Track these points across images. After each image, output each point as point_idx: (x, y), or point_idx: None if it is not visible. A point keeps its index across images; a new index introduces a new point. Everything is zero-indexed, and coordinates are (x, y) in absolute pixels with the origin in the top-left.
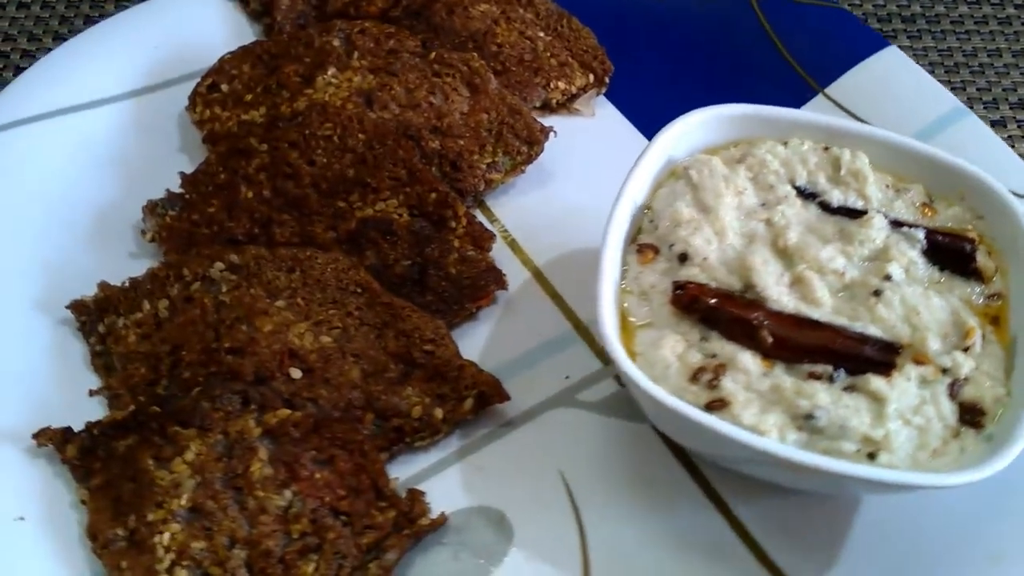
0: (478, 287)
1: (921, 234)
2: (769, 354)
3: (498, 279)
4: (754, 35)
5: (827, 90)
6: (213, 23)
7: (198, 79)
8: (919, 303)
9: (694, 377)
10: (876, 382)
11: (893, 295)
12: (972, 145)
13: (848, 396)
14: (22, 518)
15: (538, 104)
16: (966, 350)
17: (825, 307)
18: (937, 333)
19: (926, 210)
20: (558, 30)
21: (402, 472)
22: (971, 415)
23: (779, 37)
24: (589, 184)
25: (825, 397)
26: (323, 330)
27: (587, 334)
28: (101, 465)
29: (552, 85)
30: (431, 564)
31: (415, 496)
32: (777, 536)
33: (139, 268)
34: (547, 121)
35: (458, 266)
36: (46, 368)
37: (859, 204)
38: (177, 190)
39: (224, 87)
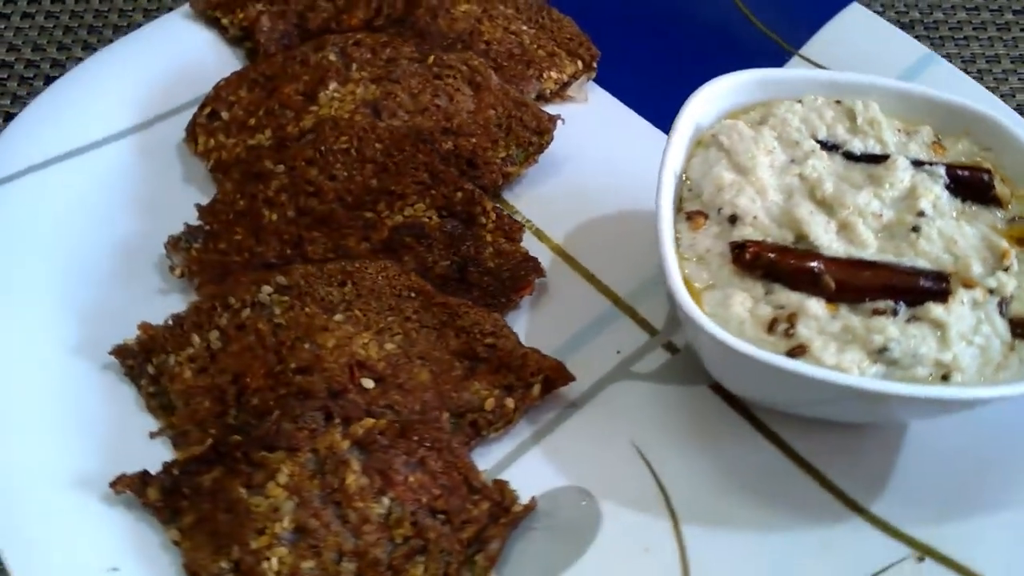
0: (518, 277)
1: (941, 170)
2: (833, 298)
3: (536, 267)
4: (725, 8)
5: (801, 51)
6: (194, 53)
7: (190, 110)
8: (954, 233)
9: (770, 328)
10: (936, 310)
11: (930, 229)
12: (946, 87)
13: (913, 326)
14: (116, 569)
15: (533, 96)
16: (1006, 270)
17: (871, 248)
18: (977, 258)
19: (937, 148)
20: (540, 22)
21: (482, 464)
22: (1022, 328)
23: (748, 7)
24: (596, 165)
25: (894, 330)
26: (386, 338)
27: (628, 308)
28: (188, 503)
29: (545, 76)
30: (527, 550)
31: (502, 486)
32: (835, 463)
33: (170, 304)
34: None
35: (495, 259)
36: (98, 415)
37: (878, 149)
38: (195, 222)
39: (224, 114)
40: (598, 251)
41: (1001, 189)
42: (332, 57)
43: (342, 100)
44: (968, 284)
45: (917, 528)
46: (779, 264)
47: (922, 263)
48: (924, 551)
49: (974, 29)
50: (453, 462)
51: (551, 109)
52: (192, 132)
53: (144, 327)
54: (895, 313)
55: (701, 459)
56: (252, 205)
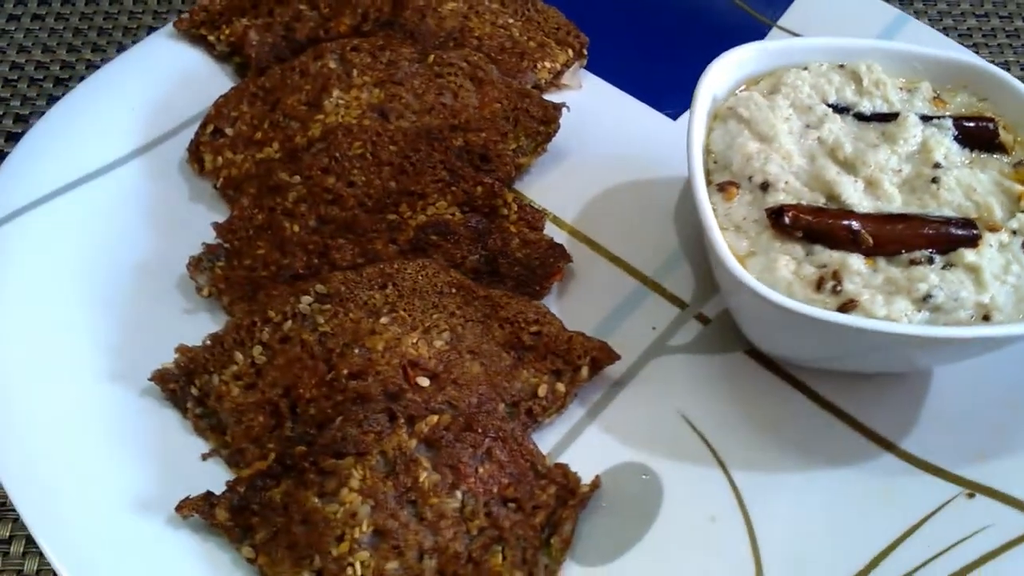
0: (547, 264)
1: (949, 123)
2: (870, 252)
3: (563, 253)
4: None
5: (780, 22)
6: (183, 73)
7: (188, 129)
8: (971, 181)
9: (818, 287)
10: (969, 255)
11: (948, 179)
12: (922, 44)
13: (950, 272)
14: None
15: (529, 87)
16: None
17: (897, 202)
18: (996, 202)
19: (938, 103)
20: (526, 14)
21: (541, 450)
22: None
23: None
24: (598, 148)
25: (934, 277)
26: (433, 335)
27: (655, 285)
28: (259, 519)
29: (539, 66)
30: (596, 528)
31: (564, 468)
32: (875, 413)
33: (199, 324)
34: None
35: (523, 250)
36: (145, 442)
37: (886, 108)
38: (211, 240)
39: (228, 130)
40: (615, 231)
41: (1004, 136)
42: (332, 64)
43: (348, 106)
44: (993, 228)
45: (963, 467)
46: (817, 225)
47: (947, 212)
48: (973, 488)
49: (984, 36)
50: (518, 450)
51: (548, 98)
52: (196, 152)
53: (183, 349)
54: (931, 262)
55: (748, 422)
56: (272, 218)
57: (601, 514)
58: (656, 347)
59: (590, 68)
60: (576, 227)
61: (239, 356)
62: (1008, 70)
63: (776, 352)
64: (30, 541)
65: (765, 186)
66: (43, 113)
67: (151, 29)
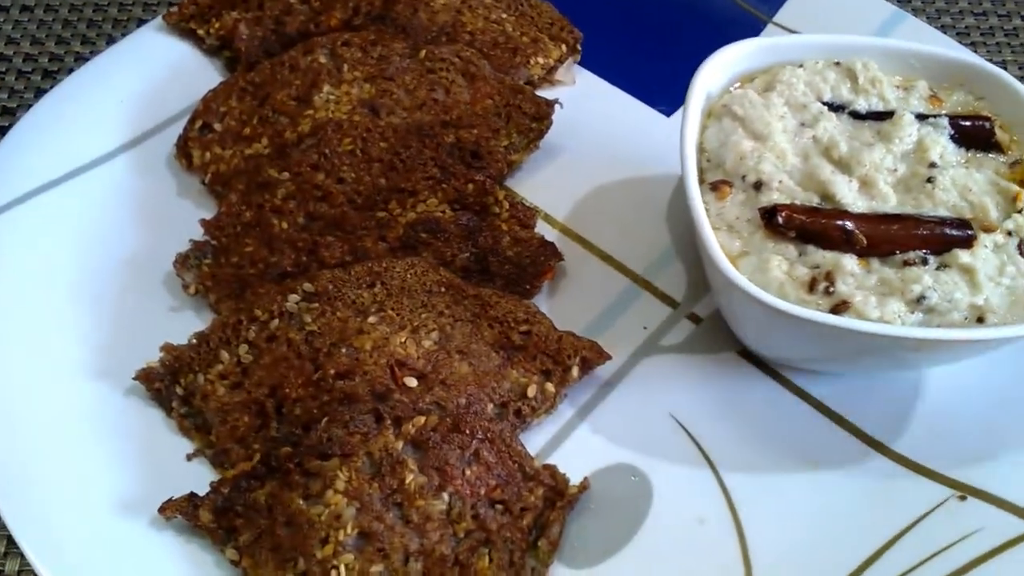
0: (538, 263)
1: (945, 121)
2: (864, 253)
3: (554, 251)
4: None
5: (775, 19)
6: (172, 67)
7: (177, 124)
8: (966, 180)
9: (811, 288)
10: (963, 256)
11: (944, 178)
12: (918, 41)
13: (944, 273)
14: None
15: (522, 82)
16: (1020, 212)
17: (892, 201)
18: (991, 203)
19: (934, 101)
20: (519, 9)
21: (529, 451)
22: None
23: None
24: (591, 145)
25: (928, 279)
26: (422, 335)
27: (647, 284)
28: (244, 520)
29: (532, 62)
30: (584, 530)
31: (552, 470)
32: (867, 414)
33: (184, 322)
34: None
35: (513, 248)
36: (129, 441)
37: (881, 107)
38: (198, 237)
39: (217, 126)
40: (607, 229)
41: (1001, 135)
42: (322, 59)
43: (338, 102)
44: (988, 228)
45: (955, 469)
46: (811, 225)
47: (942, 212)
48: (965, 490)
49: (982, 35)
50: (506, 451)
51: (541, 94)
52: (184, 147)
53: (168, 348)
54: (925, 263)
55: (739, 424)
56: (260, 215)
57: (590, 516)
58: (647, 347)
59: (584, 64)
60: (568, 225)
61: (225, 355)
62: (1006, 69)
63: (768, 353)
64: (11, 541)
65: (758, 185)
66: (31, 106)
67: (141, 22)
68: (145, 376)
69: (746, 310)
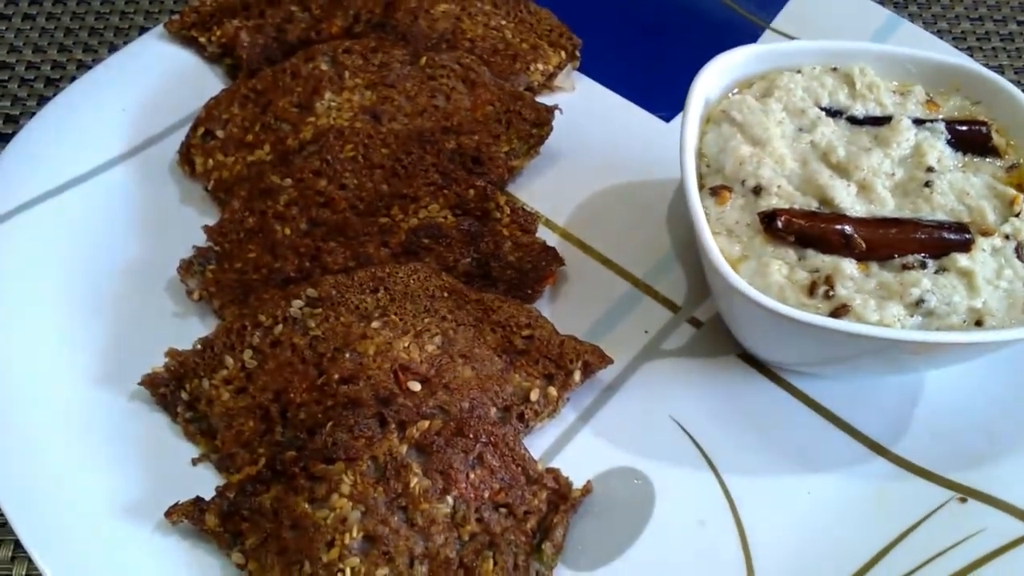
0: (539, 268)
1: (942, 126)
2: (863, 257)
3: (556, 256)
4: None
5: (773, 25)
6: (174, 74)
7: (179, 131)
8: (964, 185)
9: (811, 292)
10: (961, 260)
11: (941, 183)
12: (915, 46)
13: (942, 277)
14: None
15: (522, 89)
16: (1017, 215)
17: (890, 206)
18: (989, 207)
19: (931, 106)
20: (518, 16)
21: (532, 454)
22: None
23: None
24: (591, 150)
25: (927, 282)
26: (425, 339)
27: (648, 288)
28: (249, 524)
29: (532, 68)
30: (587, 533)
31: (555, 473)
32: (867, 417)
33: (188, 327)
34: None
35: (515, 253)
36: (134, 447)
37: (879, 112)
38: (201, 243)
39: (219, 132)
40: (607, 234)
41: (997, 139)
42: (323, 66)
43: (339, 108)
44: (986, 232)
45: (956, 472)
46: (810, 229)
47: (940, 216)
48: (966, 492)
49: (978, 40)
50: (510, 455)
51: (541, 100)
52: (186, 154)
53: (172, 353)
54: (923, 266)
55: (740, 427)
56: (263, 221)
57: (593, 519)
58: (648, 351)
59: (583, 70)
60: (568, 230)
61: (229, 360)
62: (1002, 73)
63: (768, 356)
64: (18, 546)
65: (758, 190)
66: (34, 114)
67: (143, 29)
68: (150, 381)
69: (746, 314)
